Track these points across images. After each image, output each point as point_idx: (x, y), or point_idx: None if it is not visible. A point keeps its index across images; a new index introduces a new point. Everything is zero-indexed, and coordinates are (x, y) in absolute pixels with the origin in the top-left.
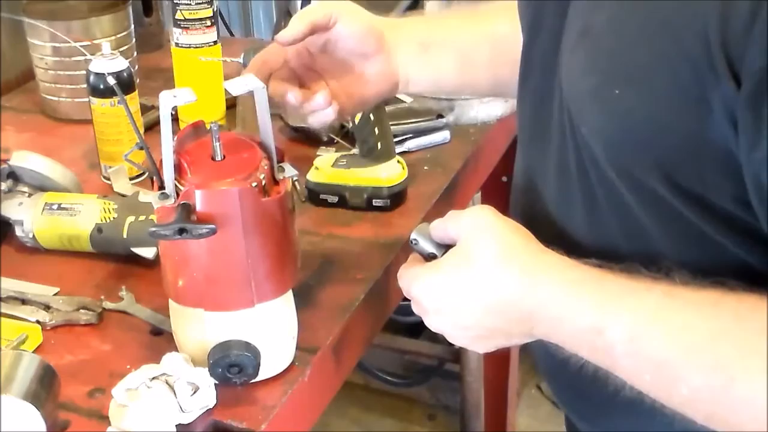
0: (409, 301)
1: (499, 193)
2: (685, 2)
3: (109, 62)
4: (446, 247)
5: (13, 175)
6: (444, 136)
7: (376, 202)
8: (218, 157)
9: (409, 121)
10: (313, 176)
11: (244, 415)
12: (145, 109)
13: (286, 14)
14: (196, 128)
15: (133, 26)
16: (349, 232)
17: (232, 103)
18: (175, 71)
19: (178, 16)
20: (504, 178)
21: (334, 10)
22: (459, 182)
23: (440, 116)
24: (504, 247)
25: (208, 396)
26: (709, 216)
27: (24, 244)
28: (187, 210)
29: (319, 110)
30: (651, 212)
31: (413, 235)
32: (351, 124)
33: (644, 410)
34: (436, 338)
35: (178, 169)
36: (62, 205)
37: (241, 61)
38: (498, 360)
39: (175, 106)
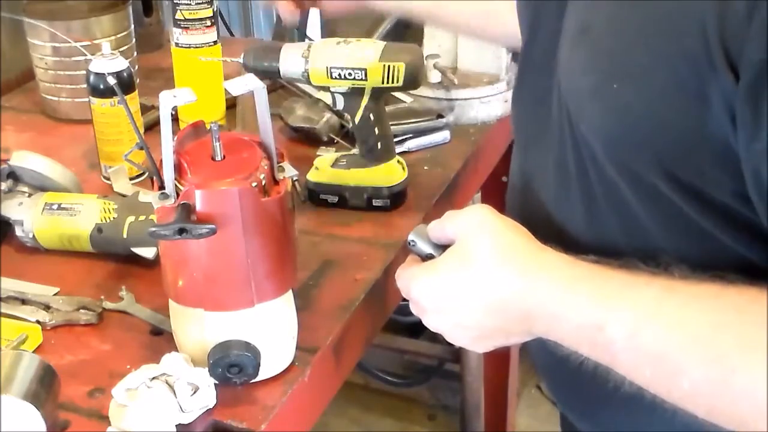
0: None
1: (499, 193)
2: (683, 0)
3: (109, 62)
4: (444, 248)
5: (13, 175)
6: (444, 136)
7: (376, 202)
8: (218, 157)
9: (409, 121)
10: (313, 176)
11: (244, 415)
12: (145, 109)
13: None
14: (196, 128)
15: (133, 26)
16: (349, 232)
17: (232, 103)
18: (175, 71)
19: (178, 16)
20: (504, 178)
21: None
22: (459, 182)
23: (440, 116)
24: (502, 247)
25: (208, 396)
26: (708, 211)
27: (24, 244)
28: (187, 210)
29: None
30: (650, 208)
31: (410, 237)
32: (351, 124)
33: (643, 407)
34: (436, 338)
35: (178, 169)
36: (62, 205)
37: (241, 61)
38: (498, 360)
39: (175, 106)
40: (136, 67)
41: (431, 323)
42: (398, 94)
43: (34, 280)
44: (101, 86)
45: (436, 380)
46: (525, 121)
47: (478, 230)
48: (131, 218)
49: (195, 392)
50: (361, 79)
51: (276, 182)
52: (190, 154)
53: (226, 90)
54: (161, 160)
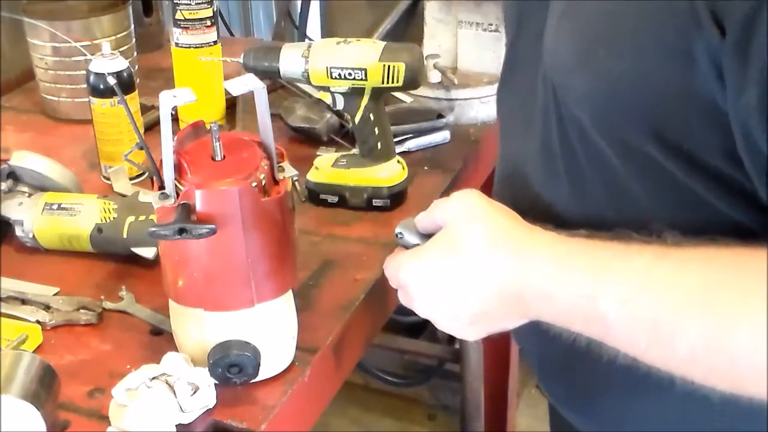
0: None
1: None
2: None
3: (109, 62)
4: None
5: (13, 175)
6: (444, 136)
7: (376, 202)
8: (218, 157)
9: (409, 121)
10: (313, 176)
11: (244, 415)
12: (145, 109)
13: (286, 14)
14: (196, 128)
15: (133, 26)
16: (349, 232)
17: (232, 103)
18: (175, 71)
19: (178, 16)
20: None
21: None
22: (459, 182)
23: (440, 116)
24: (492, 231)
25: (208, 396)
26: (699, 175)
27: (24, 244)
28: (187, 210)
29: None
30: (641, 177)
31: (398, 229)
32: (351, 124)
33: (636, 395)
34: (436, 338)
35: (178, 169)
36: (62, 205)
37: (241, 61)
38: (498, 360)
39: (175, 106)
40: (136, 67)
41: (420, 310)
42: (398, 94)
43: (34, 280)
44: (101, 86)
45: (436, 380)
46: (510, 113)
47: (467, 215)
48: (131, 218)
49: (195, 392)
50: (361, 79)
51: (276, 182)
52: (190, 154)
53: (226, 90)
54: (161, 160)
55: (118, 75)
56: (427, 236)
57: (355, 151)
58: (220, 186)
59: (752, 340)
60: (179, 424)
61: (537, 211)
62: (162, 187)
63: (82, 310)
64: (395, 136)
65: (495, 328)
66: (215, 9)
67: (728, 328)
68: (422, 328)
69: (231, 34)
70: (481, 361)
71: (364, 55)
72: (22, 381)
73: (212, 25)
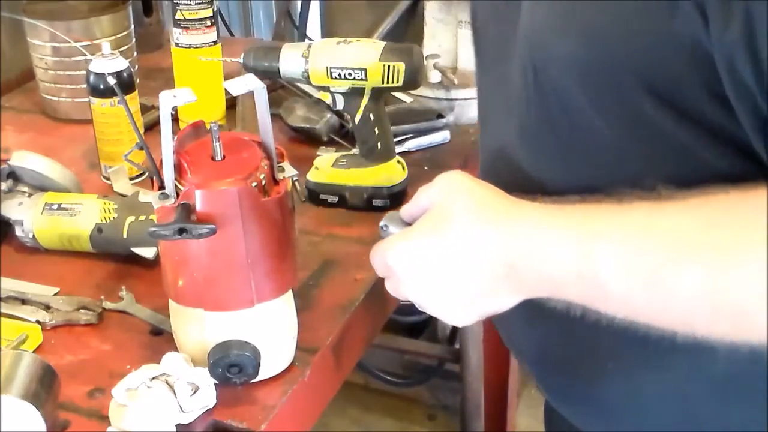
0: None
1: None
2: None
3: (109, 62)
4: None
5: (13, 175)
6: (444, 136)
7: (376, 202)
8: (218, 157)
9: (409, 121)
10: (313, 176)
11: (244, 415)
12: (145, 109)
13: (286, 14)
14: (196, 128)
15: (133, 26)
16: (349, 232)
17: (232, 103)
18: (175, 71)
19: (178, 16)
20: None
21: None
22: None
23: (440, 116)
24: (479, 204)
25: (208, 396)
26: (691, 127)
27: (24, 244)
28: (187, 210)
29: None
30: (629, 136)
31: (382, 222)
32: (351, 124)
33: (637, 382)
34: (436, 338)
35: (178, 169)
36: (62, 205)
37: (241, 61)
38: (498, 360)
39: (175, 106)
40: (136, 67)
41: (410, 293)
42: (398, 94)
43: (34, 280)
44: (101, 86)
45: (436, 380)
46: (487, 106)
47: (453, 192)
48: (131, 218)
49: (195, 392)
50: (361, 79)
51: (276, 182)
52: (190, 154)
53: (226, 90)
54: (161, 160)
55: (118, 75)
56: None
57: (355, 151)
58: (220, 186)
59: (756, 272)
60: (179, 424)
61: (527, 192)
62: (162, 187)
63: (82, 310)
64: (395, 136)
65: (487, 310)
66: (215, 9)
67: (730, 262)
68: (422, 328)
69: (231, 34)
70: (481, 361)
71: (364, 55)
72: (22, 381)
73: (212, 25)
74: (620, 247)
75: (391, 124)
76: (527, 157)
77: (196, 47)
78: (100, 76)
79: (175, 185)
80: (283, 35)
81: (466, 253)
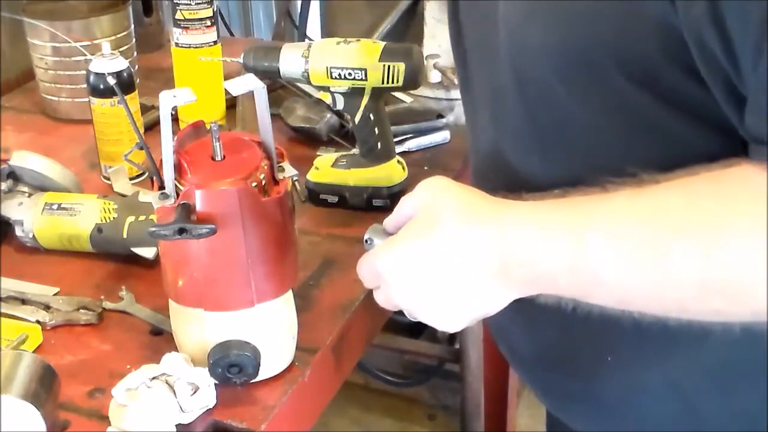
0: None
1: None
2: None
3: (109, 62)
4: None
5: (13, 175)
6: (444, 136)
7: (376, 202)
8: (218, 157)
9: (409, 121)
10: (313, 176)
11: (244, 415)
12: (145, 109)
13: (286, 14)
14: (196, 128)
15: (133, 26)
16: (349, 232)
17: (232, 103)
18: (175, 71)
19: (178, 16)
20: None
21: None
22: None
23: (440, 116)
24: (464, 205)
25: (208, 396)
26: (668, 107)
27: (24, 244)
28: (187, 210)
29: None
30: (611, 121)
31: (366, 235)
32: (351, 124)
33: (635, 378)
34: (436, 338)
35: (178, 169)
36: (62, 205)
37: (241, 61)
38: (498, 360)
39: (175, 106)
40: (136, 67)
41: (400, 301)
42: (398, 94)
43: (34, 280)
44: (101, 86)
45: (436, 380)
46: (476, 103)
47: (437, 196)
48: (131, 218)
49: (195, 392)
50: (361, 79)
51: (276, 182)
52: (190, 154)
53: (226, 90)
54: (161, 160)
55: (118, 75)
56: None
57: (355, 151)
58: (220, 186)
59: (743, 245)
60: (179, 424)
61: (516, 190)
62: (162, 187)
63: (82, 310)
64: (395, 136)
65: (478, 312)
66: (215, 9)
67: (718, 236)
68: (422, 328)
69: (231, 34)
70: (481, 361)
71: (364, 55)
72: (22, 381)
73: (212, 25)
74: (608, 232)
75: (391, 124)
76: (513, 153)
77: (196, 47)
78: (100, 76)
79: (175, 185)
80: (283, 35)
81: (455, 255)
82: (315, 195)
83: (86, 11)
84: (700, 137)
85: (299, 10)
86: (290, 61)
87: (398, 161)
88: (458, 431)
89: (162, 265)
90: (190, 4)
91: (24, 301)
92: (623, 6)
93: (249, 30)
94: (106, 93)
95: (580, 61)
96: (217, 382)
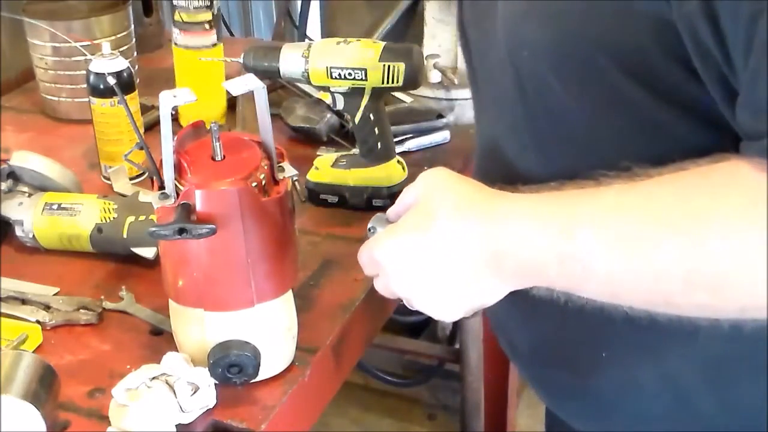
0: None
1: None
2: None
3: (109, 62)
4: None
5: (13, 175)
6: (444, 136)
7: (376, 202)
8: (218, 157)
9: (409, 121)
10: (313, 176)
11: (244, 415)
12: (145, 109)
13: (286, 14)
14: (196, 128)
15: (133, 26)
16: (349, 232)
17: (232, 103)
18: (176, 71)
19: (177, 18)
20: None
21: None
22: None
23: (440, 116)
24: (461, 197)
25: (208, 396)
26: (662, 102)
27: (24, 244)
28: (187, 210)
29: None
30: (606, 116)
31: (370, 224)
32: (351, 124)
33: (633, 372)
34: (436, 338)
35: (178, 169)
36: (62, 205)
37: (241, 61)
38: (498, 360)
39: (175, 106)
40: (136, 67)
41: (398, 288)
42: (398, 94)
43: (34, 280)
44: (101, 86)
45: (436, 380)
46: (481, 99)
47: (435, 187)
48: (131, 218)
49: (195, 392)
50: (361, 79)
51: (276, 182)
52: (190, 154)
53: (226, 90)
54: (161, 160)
55: (118, 75)
56: None
57: (355, 151)
58: (220, 186)
59: (730, 239)
60: (179, 424)
61: (513, 183)
62: (162, 187)
63: (82, 310)
64: (395, 136)
65: (474, 302)
66: (215, 12)
67: (706, 230)
68: (422, 328)
69: (231, 34)
70: (481, 361)
71: (364, 55)
72: (22, 381)
73: (211, 28)
74: (598, 224)
75: (391, 124)
76: (513, 148)
77: (195, 49)
78: (100, 76)
79: (175, 185)
80: (283, 35)
81: (450, 246)
82: (315, 195)
83: (86, 11)
84: (695, 133)
85: (299, 10)
86: (290, 61)
87: (398, 161)
88: (458, 431)
89: (162, 265)
90: (188, 8)
91: (24, 301)
92: (617, 4)
93: (249, 30)
94: (106, 93)
95: (576, 58)
96: (217, 382)
